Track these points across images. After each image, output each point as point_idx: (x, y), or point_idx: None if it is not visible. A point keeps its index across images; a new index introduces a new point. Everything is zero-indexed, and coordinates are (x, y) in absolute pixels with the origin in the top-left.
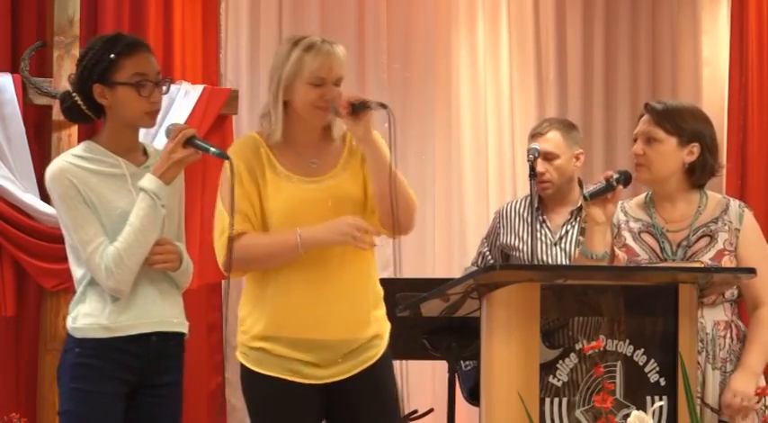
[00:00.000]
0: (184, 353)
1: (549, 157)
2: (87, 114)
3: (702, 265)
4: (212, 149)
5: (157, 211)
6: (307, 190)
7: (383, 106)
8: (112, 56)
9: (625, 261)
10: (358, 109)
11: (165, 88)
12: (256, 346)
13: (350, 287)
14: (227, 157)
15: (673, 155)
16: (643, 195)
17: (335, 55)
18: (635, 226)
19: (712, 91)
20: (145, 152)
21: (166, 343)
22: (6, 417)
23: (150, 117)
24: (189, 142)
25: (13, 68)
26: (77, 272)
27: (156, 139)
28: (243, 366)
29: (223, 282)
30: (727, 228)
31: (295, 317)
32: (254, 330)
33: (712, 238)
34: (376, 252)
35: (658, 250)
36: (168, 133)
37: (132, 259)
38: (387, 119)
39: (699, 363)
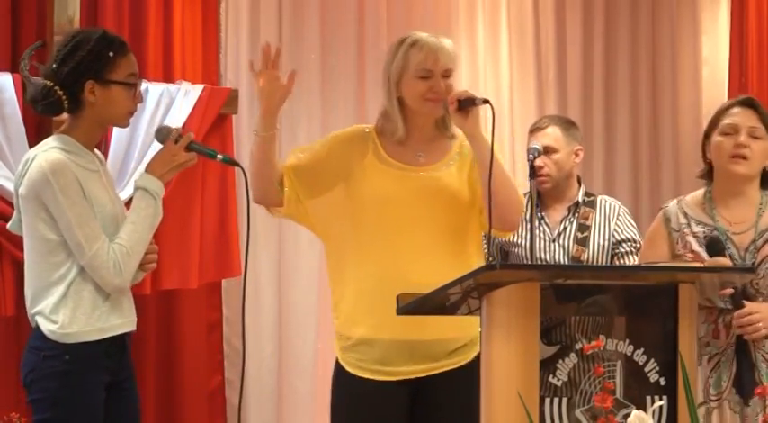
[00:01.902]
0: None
1: (547, 151)
2: (61, 108)
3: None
4: (219, 156)
5: (158, 211)
6: (404, 177)
7: (486, 102)
8: (111, 54)
9: None
10: (464, 105)
11: (141, 90)
12: (350, 344)
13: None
14: (236, 163)
15: (766, 154)
16: (701, 192)
17: (441, 47)
18: (699, 230)
19: (712, 91)
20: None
21: (126, 339)
22: (6, 416)
23: (130, 117)
24: (191, 147)
25: (13, 68)
26: (51, 273)
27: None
28: (336, 360)
29: (223, 282)
30: None
31: (378, 313)
32: (343, 325)
33: None
34: None
35: (727, 255)
36: (160, 135)
37: (137, 258)
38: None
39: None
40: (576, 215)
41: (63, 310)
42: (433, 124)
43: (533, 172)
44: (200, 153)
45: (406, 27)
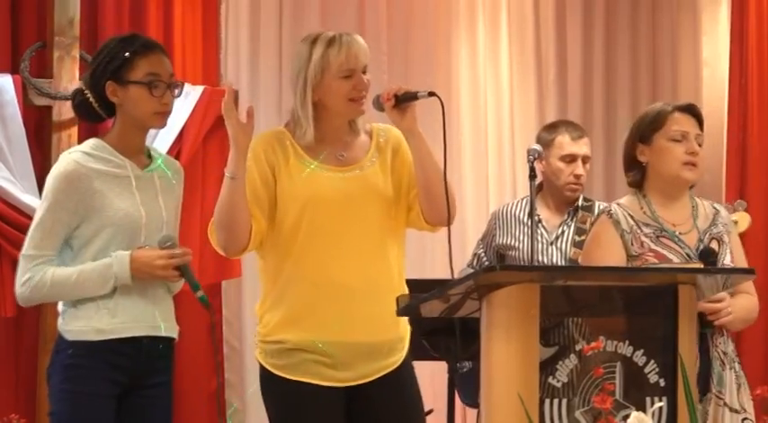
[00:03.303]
0: (174, 355)
1: (586, 160)
2: (98, 113)
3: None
4: (199, 293)
5: (104, 287)
6: (334, 178)
7: (432, 94)
8: (127, 54)
9: None
10: (403, 100)
11: (177, 91)
12: (275, 347)
13: (374, 284)
14: (208, 305)
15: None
16: (632, 197)
17: (358, 43)
18: (648, 231)
19: (712, 92)
20: (149, 155)
21: (156, 345)
22: (6, 417)
23: (160, 118)
24: (183, 270)
25: (14, 69)
26: None
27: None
28: (262, 368)
29: (223, 283)
30: (725, 230)
31: (314, 317)
32: (273, 331)
33: (720, 241)
34: None
35: (683, 253)
36: (164, 242)
37: (51, 297)
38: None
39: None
40: (575, 219)
41: (70, 308)
42: (345, 124)
43: (533, 173)
44: (185, 278)
45: (407, 27)
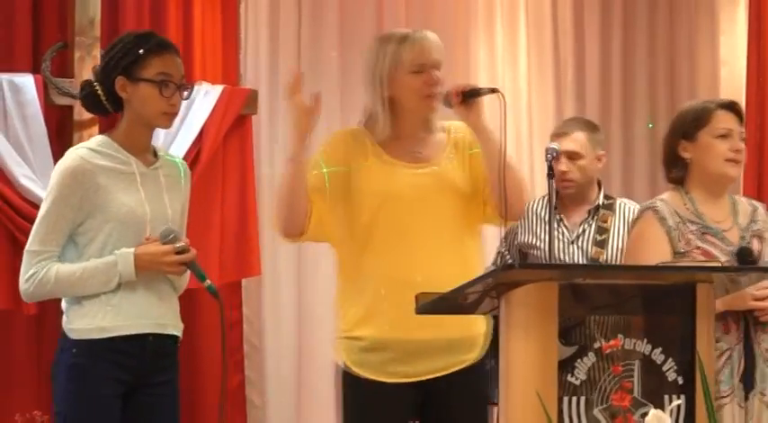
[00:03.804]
0: (178, 353)
1: (573, 156)
2: (104, 106)
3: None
4: (206, 283)
5: (108, 285)
6: (409, 175)
7: (494, 91)
8: (141, 51)
9: None
10: (469, 97)
11: (186, 93)
12: (353, 344)
13: (449, 281)
14: (217, 294)
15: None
16: (674, 193)
17: (429, 39)
18: (693, 227)
19: (730, 91)
20: (155, 154)
21: (161, 343)
22: (29, 414)
23: (167, 118)
24: (189, 264)
25: (35, 69)
26: None
27: (172, 143)
28: (343, 367)
29: (243, 281)
30: (764, 228)
31: (390, 313)
32: (353, 327)
33: (761, 238)
34: None
35: (728, 251)
36: (166, 235)
37: (55, 294)
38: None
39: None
40: (596, 218)
41: (74, 306)
42: (421, 121)
43: (552, 172)
44: (192, 270)
45: (425, 27)
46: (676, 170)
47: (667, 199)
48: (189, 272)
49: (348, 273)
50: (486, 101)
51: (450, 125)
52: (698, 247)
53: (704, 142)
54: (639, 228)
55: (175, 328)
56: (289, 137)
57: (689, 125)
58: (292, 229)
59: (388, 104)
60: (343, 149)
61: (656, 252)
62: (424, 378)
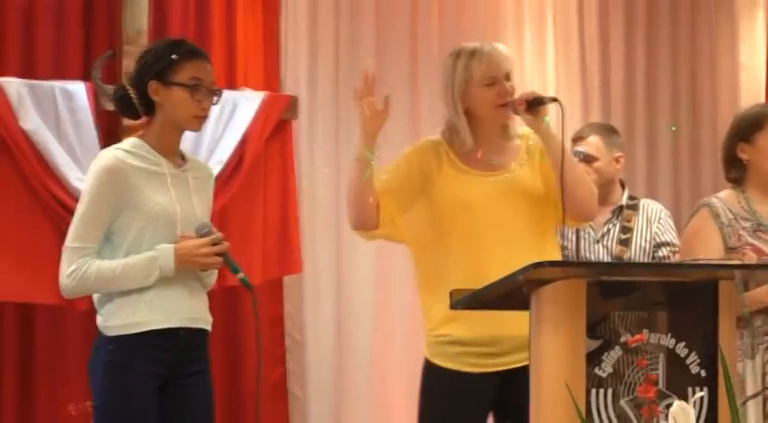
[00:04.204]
0: (208, 345)
1: (588, 159)
2: (136, 109)
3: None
4: (240, 275)
5: (147, 280)
6: (484, 182)
7: (554, 100)
8: (174, 56)
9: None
10: (533, 105)
11: (215, 98)
12: (438, 340)
13: None
14: (251, 288)
15: None
16: (731, 192)
17: (499, 52)
18: (746, 224)
19: (750, 95)
20: (183, 157)
21: (192, 337)
22: (81, 405)
23: (198, 121)
24: (223, 256)
25: (86, 77)
26: None
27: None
28: (425, 359)
29: (284, 278)
30: None
31: (472, 313)
32: (438, 326)
33: None
34: None
35: None
36: (201, 230)
37: (95, 289)
38: None
39: None
40: (620, 218)
41: (108, 305)
42: (498, 129)
43: None
44: (226, 263)
45: (457, 38)
46: (735, 170)
47: (723, 197)
48: (216, 271)
49: (426, 275)
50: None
51: (526, 132)
52: (748, 243)
53: (761, 145)
54: (694, 223)
55: (205, 322)
56: (358, 138)
57: (746, 128)
58: (363, 223)
59: (466, 116)
60: (421, 158)
61: (710, 246)
62: (501, 369)
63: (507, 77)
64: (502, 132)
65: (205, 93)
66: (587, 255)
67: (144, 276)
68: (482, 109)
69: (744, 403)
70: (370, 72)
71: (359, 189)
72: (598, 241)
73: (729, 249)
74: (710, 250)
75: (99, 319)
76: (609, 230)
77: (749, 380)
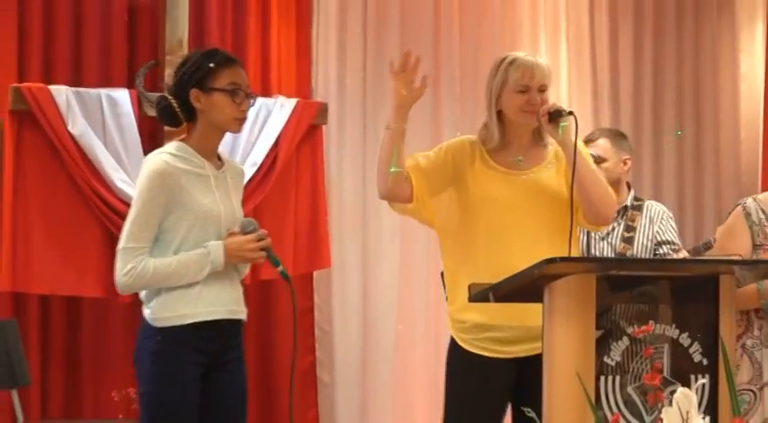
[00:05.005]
0: (243, 333)
1: (597, 160)
2: (179, 117)
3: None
4: (280, 268)
5: (200, 274)
6: (509, 180)
7: (570, 113)
8: (212, 65)
9: None
10: (554, 117)
11: (252, 101)
12: (460, 325)
13: None
14: (288, 278)
15: None
16: None
17: (536, 65)
18: None
19: (749, 104)
20: (220, 158)
21: (231, 327)
22: (124, 391)
23: (238, 123)
24: (265, 250)
25: (130, 85)
26: None
27: (252, 151)
28: (451, 338)
29: (314, 273)
30: None
31: (491, 304)
32: (459, 312)
33: None
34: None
35: None
36: (246, 227)
37: (151, 285)
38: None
39: None
40: (625, 217)
41: (156, 298)
42: (530, 133)
43: None
44: (268, 257)
45: (476, 48)
46: None
47: (761, 198)
48: (249, 264)
49: (452, 261)
50: None
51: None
52: None
53: None
54: (729, 222)
55: (243, 313)
56: (390, 108)
57: None
58: (393, 194)
59: (498, 117)
60: (456, 151)
61: (738, 242)
62: (516, 356)
63: (541, 89)
64: (534, 137)
65: (243, 96)
66: (593, 252)
67: (197, 271)
68: (511, 112)
69: (761, 389)
70: (413, 54)
71: (386, 157)
72: (603, 239)
73: (756, 246)
74: (739, 246)
75: (146, 312)
76: (614, 229)
77: (766, 367)
